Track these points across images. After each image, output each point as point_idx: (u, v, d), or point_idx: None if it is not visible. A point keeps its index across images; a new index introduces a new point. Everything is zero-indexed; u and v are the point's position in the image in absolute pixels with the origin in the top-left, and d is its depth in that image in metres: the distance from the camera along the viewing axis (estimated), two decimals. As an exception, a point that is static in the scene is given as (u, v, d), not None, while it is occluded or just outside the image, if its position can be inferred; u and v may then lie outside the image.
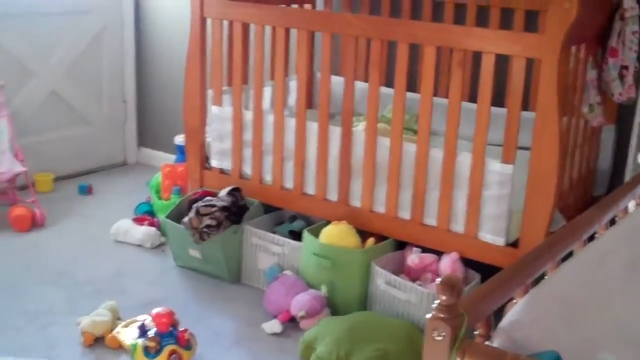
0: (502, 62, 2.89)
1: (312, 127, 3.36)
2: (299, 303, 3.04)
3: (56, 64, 4.55)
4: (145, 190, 4.32)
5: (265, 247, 3.36)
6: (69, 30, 4.56)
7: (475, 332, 1.41)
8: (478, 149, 2.92)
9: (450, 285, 1.13)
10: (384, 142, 3.16)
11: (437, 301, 1.14)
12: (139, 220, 3.94)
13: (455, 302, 1.15)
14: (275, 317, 3.11)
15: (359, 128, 3.36)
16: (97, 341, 2.93)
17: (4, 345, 2.87)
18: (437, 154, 3.04)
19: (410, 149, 3.11)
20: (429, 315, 1.15)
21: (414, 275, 3.08)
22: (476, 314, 1.21)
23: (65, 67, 4.61)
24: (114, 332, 2.94)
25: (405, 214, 3.16)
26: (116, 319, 3.04)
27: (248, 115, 3.57)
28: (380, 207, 3.23)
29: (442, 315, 1.15)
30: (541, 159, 2.77)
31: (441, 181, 3.03)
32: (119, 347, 2.89)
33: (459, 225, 3.03)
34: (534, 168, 2.80)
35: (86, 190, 4.50)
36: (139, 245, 3.81)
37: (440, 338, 1.15)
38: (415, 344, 2.67)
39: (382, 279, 3.01)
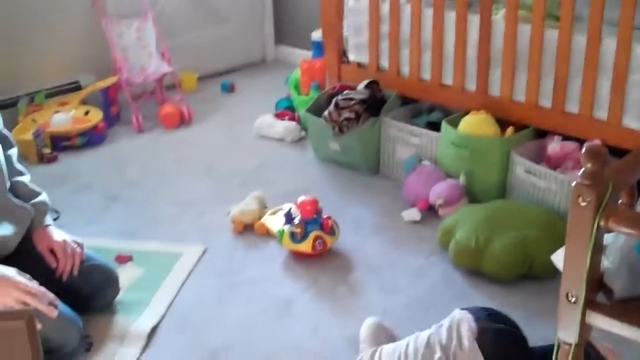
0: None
1: (450, 17, 3.32)
2: (438, 192, 3.10)
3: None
4: (284, 86, 4.43)
5: (404, 139, 3.41)
6: None
7: (620, 202, 1.43)
8: (624, 33, 2.80)
9: (595, 153, 1.14)
10: (525, 30, 3.09)
11: (582, 169, 1.17)
12: (279, 116, 4.07)
13: (599, 169, 1.16)
14: (413, 206, 3.18)
15: (499, 16, 3.29)
16: (246, 228, 3.11)
17: (164, 233, 3.10)
18: (580, 40, 2.95)
19: (552, 35, 3.03)
20: (574, 183, 1.18)
21: (555, 164, 3.05)
22: (621, 182, 1.22)
23: (205, -34, 4.72)
24: (262, 219, 3.10)
25: (546, 102, 3.11)
26: (263, 207, 3.20)
27: (385, 7, 3.56)
28: (520, 96, 3.19)
29: (587, 182, 1.17)
30: (693, 41, 2.64)
31: (584, 68, 2.95)
32: (267, 233, 3.06)
33: (602, 112, 2.96)
34: (685, 50, 2.68)
35: (228, 88, 4.67)
36: (281, 140, 3.96)
37: (584, 204, 1.17)
38: (554, 230, 2.68)
39: (522, 167, 3.01)
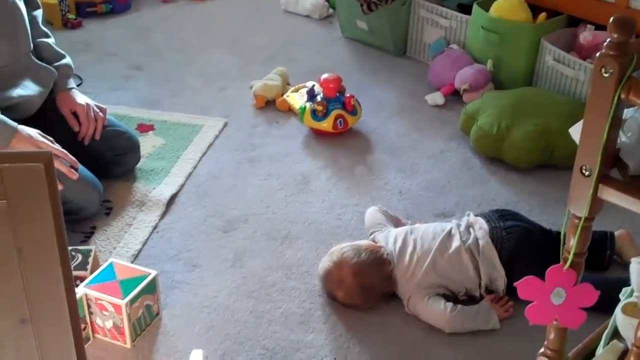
0: None
1: None
2: (463, 76, 3.05)
3: None
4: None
5: (433, 20, 3.34)
6: None
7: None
8: None
9: (623, 23, 1.11)
10: None
11: (608, 39, 1.14)
12: (308, -8, 3.99)
13: (626, 40, 1.13)
14: (438, 89, 3.14)
15: None
16: (268, 104, 3.10)
17: (186, 104, 3.10)
18: None
19: None
20: (598, 53, 1.16)
21: (585, 54, 2.98)
22: (647, 56, 1.19)
23: None
24: (284, 95, 3.09)
25: (582, -12, 3.01)
26: (286, 83, 3.19)
27: None
28: (555, -19, 3.09)
29: (611, 53, 1.15)
30: None
31: (625, -47, 2.84)
32: (288, 109, 3.05)
33: (639, 1, 2.86)
34: None
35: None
36: (308, 16, 3.89)
37: (607, 75, 1.15)
38: (578, 120, 2.64)
39: (551, 55, 2.94)
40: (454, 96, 3.11)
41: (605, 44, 1.15)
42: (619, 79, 1.14)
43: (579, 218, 1.29)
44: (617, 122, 1.21)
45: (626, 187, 1.23)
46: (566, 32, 3.07)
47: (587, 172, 1.25)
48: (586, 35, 2.98)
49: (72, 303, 1.12)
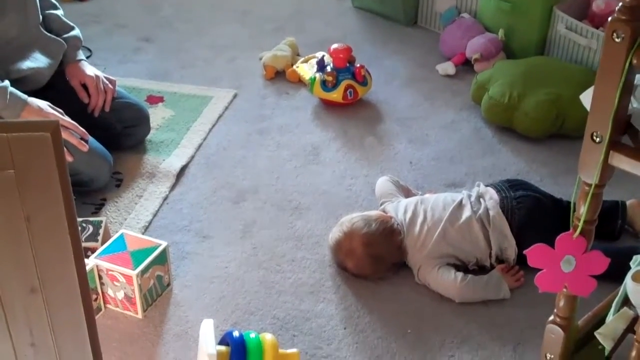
0: None
1: None
2: (475, 46, 3.03)
3: None
4: None
5: (442, -11, 3.32)
6: None
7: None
8: None
9: (634, -21, 1.09)
10: None
11: (620, 3, 1.12)
12: (317, -38, 3.95)
13: (639, 4, 1.11)
14: (449, 59, 3.12)
15: None
16: (277, 75, 3.09)
17: (195, 76, 3.09)
18: None
19: None
20: (610, 18, 1.14)
21: (598, 22, 2.94)
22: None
23: None
24: (294, 66, 3.07)
25: (595, -44, 2.97)
26: (295, 54, 3.17)
27: None
28: (568, -51, 3.04)
29: (623, 17, 1.13)
30: None
31: None
32: (298, 80, 3.04)
33: (654, -32, 2.82)
34: None
35: None
36: (318, -13, 3.86)
37: (619, 40, 1.14)
38: (591, 89, 2.62)
39: (563, 24, 2.91)
40: (465, 66, 3.09)
41: (617, 8, 1.13)
42: (631, 44, 1.12)
43: (590, 185, 1.28)
44: (628, 88, 1.20)
45: (637, 153, 1.22)
46: (579, 0, 3.03)
47: (597, 139, 1.23)
48: (599, 3, 2.94)
49: (82, 271, 1.13)
